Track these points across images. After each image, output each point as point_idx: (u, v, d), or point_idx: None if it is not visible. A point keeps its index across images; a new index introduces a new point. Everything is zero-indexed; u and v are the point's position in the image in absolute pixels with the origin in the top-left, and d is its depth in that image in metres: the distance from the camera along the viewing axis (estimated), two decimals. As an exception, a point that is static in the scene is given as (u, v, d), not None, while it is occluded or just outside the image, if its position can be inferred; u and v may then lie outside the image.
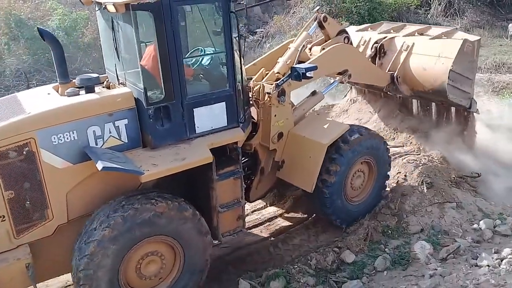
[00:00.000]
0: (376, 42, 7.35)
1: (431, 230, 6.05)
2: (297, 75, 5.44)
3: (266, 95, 5.54)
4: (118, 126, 4.53)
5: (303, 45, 6.22)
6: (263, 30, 17.05)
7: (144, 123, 4.57)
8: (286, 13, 17.76)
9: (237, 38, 4.97)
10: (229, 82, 4.93)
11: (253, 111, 5.78)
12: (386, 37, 7.44)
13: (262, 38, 16.49)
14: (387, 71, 7.14)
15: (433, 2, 17.54)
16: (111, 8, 4.23)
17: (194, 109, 4.75)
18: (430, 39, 6.92)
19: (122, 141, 4.57)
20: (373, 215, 6.33)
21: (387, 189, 6.62)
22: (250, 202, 6.10)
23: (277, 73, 5.93)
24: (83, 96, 4.60)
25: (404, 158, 7.10)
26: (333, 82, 6.64)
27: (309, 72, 5.44)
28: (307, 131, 5.78)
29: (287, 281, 5.17)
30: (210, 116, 4.87)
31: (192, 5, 5.02)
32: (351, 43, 6.85)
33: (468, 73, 6.68)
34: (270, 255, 5.96)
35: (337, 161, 5.71)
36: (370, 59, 7.27)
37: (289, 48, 6.30)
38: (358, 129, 6.07)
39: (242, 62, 5.15)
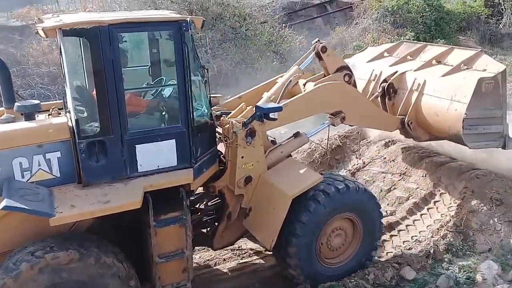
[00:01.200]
0: (384, 81, 6.50)
1: (500, 249, 5.75)
2: (259, 116, 4.89)
3: (234, 134, 5.01)
4: (49, 158, 4.15)
5: (290, 81, 5.72)
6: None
7: (79, 157, 4.17)
8: (348, 25, 17.56)
9: (200, 69, 4.60)
10: (181, 118, 4.46)
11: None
12: (396, 72, 6.48)
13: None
14: (397, 114, 6.28)
15: (505, 11, 16.62)
16: (41, 33, 3.96)
17: (136, 146, 4.30)
18: (442, 75, 6.02)
19: (54, 175, 4.17)
20: (436, 231, 6.02)
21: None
22: (214, 249, 5.53)
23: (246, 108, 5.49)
24: (14, 124, 4.29)
25: (472, 173, 6.56)
26: (322, 124, 5.95)
27: (273, 113, 4.86)
28: (277, 178, 5.09)
29: None
30: (156, 154, 4.42)
31: (138, 33, 4.59)
32: (354, 82, 6.06)
33: (494, 111, 5.81)
34: None
35: (305, 217, 4.93)
36: (380, 99, 6.46)
37: (277, 82, 5.83)
38: (336, 181, 5.17)
39: (206, 95, 4.76)
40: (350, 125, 6.69)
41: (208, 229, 5.45)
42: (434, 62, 6.38)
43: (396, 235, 6.26)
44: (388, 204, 6.82)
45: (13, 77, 12.93)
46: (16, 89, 12.37)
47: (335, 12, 19.76)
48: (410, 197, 6.84)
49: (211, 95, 5.66)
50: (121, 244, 4.41)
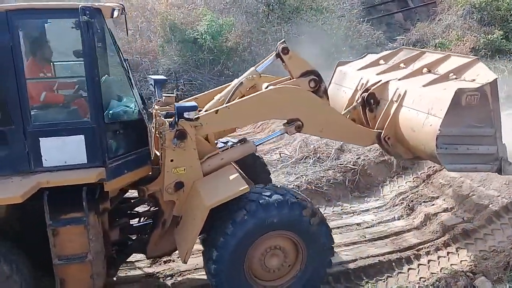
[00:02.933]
0: (365, 90, 5.66)
1: None
2: (176, 115, 4.48)
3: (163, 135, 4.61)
4: None
5: (241, 82, 5.19)
6: (403, 37, 16.36)
7: None
8: (431, 21, 16.85)
9: (123, 62, 4.38)
10: (91, 113, 4.20)
11: None
12: (379, 81, 5.64)
13: (403, 46, 15.82)
14: (375, 128, 5.45)
15: None
16: None
17: (40, 139, 4.11)
18: (424, 85, 5.10)
19: None
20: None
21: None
22: (148, 258, 5.17)
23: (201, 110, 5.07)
24: None
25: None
26: (275, 132, 5.39)
27: (187, 112, 4.41)
28: (205, 186, 4.60)
29: None
30: (63, 150, 4.19)
31: (43, 19, 4.37)
32: (323, 89, 5.39)
33: (483, 129, 4.80)
34: (393, 271, 5.66)
35: (226, 231, 4.40)
36: (361, 111, 5.63)
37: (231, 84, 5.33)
38: (272, 194, 4.53)
39: (133, 91, 4.50)
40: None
41: (145, 235, 5.08)
42: (424, 70, 5.54)
43: (472, 244, 5.96)
44: (465, 211, 6.53)
45: None
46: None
47: (417, 7, 19.03)
48: (490, 205, 6.43)
49: (166, 94, 5.53)
50: (37, 246, 4.26)
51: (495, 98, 4.71)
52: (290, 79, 5.38)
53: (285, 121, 5.16)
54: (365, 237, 6.46)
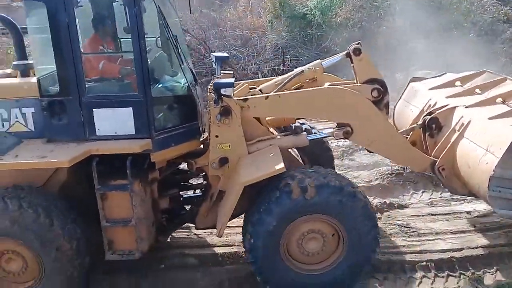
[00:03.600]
0: (429, 113, 5.35)
1: None
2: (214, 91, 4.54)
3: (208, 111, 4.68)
4: (25, 113, 4.56)
5: (303, 71, 5.06)
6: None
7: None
8: None
9: (170, 38, 4.47)
10: (139, 86, 4.39)
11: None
12: (446, 106, 5.28)
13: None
14: (432, 154, 5.11)
15: None
16: None
17: (94, 110, 4.43)
18: (490, 117, 4.73)
19: (29, 129, 4.59)
20: None
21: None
22: (197, 229, 5.25)
23: (252, 88, 5.10)
24: (2, 80, 4.86)
25: None
26: (322, 132, 5.19)
27: (224, 89, 4.45)
28: (247, 163, 4.57)
29: None
30: (114, 121, 4.47)
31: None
32: (385, 102, 5.04)
33: None
34: (504, 265, 5.26)
35: (261, 208, 4.36)
36: (422, 134, 5.36)
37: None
38: (312, 177, 4.38)
39: (182, 67, 4.64)
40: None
41: (196, 207, 5.16)
42: (498, 100, 5.06)
43: None
44: None
45: (212, 39, 14.30)
46: (213, 50, 13.52)
47: None
48: None
49: (224, 72, 5.60)
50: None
51: None
52: (354, 83, 5.15)
53: None
54: (475, 226, 6.04)
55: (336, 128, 4.89)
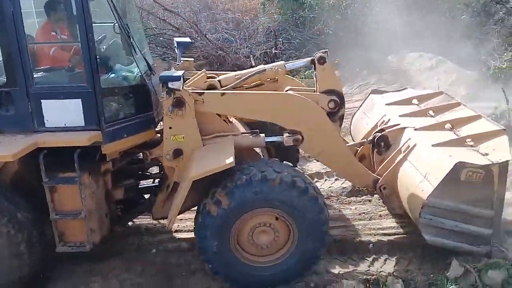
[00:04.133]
0: (380, 130, 5.45)
1: None
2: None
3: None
4: None
5: (265, 69, 5.00)
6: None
7: None
8: None
9: (121, 26, 4.34)
10: (87, 77, 4.29)
11: None
12: (397, 125, 5.36)
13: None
14: (376, 172, 5.20)
15: None
16: None
17: (42, 100, 4.35)
18: (433, 145, 4.78)
19: None
20: None
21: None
22: (154, 219, 5.20)
23: (210, 77, 5.03)
24: None
25: None
26: (276, 135, 5.02)
27: (171, 82, 4.35)
28: (200, 156, 4.51)
29: (509, 275, 4.52)
30: (63, 112, 4.38)
31: None
32: (340, 114, 5.05)
33: (480, 210, 4.40)
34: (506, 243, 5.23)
35: (210, 206, 4.35)
36: (371, 150, 5.44)
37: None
38: (253, 170, 4.37)
39: (136, 57, 4.56)
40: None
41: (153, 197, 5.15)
42: (447, 126, 5.17)
43: None
44: None
45: (203, 22, 14.08)
46: (204, 33, 13.32)
47: None
48: None
49: (184, 59, 5.48)
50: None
51: (502, 180, 4.34)
52: (314, 91, 5.12)
53: None
54: None
55: (288, 135, 4.84)
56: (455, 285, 4.49)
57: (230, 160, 4.20)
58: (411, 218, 4.84)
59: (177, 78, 4.42)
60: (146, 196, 5.37)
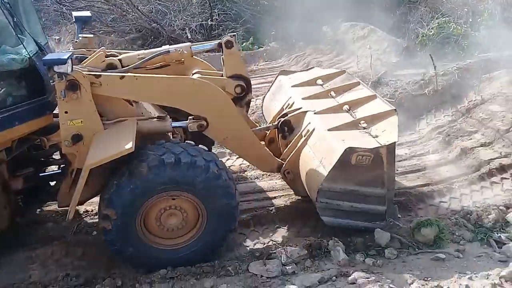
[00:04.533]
0: (284, 115, 5.43)
1: None
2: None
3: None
4: None
5: (169, 51, 4.84)
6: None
7: None
8: None
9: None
10: None
11: None
12: (299, 109, 5.38)
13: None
14: (281, 157, 5.22)
15: None
16: None
17: None
18: (329, 129, 4.87)
19: None
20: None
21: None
22: (59, 207, 4.97)
23: (109, 56, 4.80)
24: None
25: None
26: (179, 122, 4.94)
27: (57, 66, 4.04)
28: (100, 141, 4.31)
29: (440, 231, 4.79)
30: None
31: None
32: (247, 100, 5.15)
33: (374, 189, 4.60)
34: (423, 203, 5.58)
35: (114, 186, 4.20)
36: (277, 134, 5.43)
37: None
38: (167, 153, 4.22)
39: (19, 35, 4.32)
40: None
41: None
42: (345, 107, 5.25)
43: (508, 178, 5.83)
44: (504, 146, 6.41)
45: None
46: (136, 5, 12.72)
47: None
48: (531, 140, 6.31)
49: (82, 35, 5.26)
50: None
51: (391, 161, 4.51)
52: (222, 75, 5.11)
53: None
54: (397, 170, 6.18)
55: (192, 120, 4.73)
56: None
57: (129, 145, 4.00)
58: (312, 201, 4.93)
59: (62, 61, 4.09)
60: (52, 183, 5.13)
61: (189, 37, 12.73)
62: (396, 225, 4.71)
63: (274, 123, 5.48)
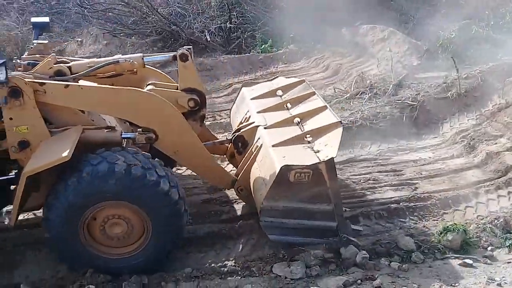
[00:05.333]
0: (237, 130, 5.42)
1: None
2: None
3: None
4: None
5: (118, 61, 4.81)
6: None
7: None
8: None
9: None
10: None
11: None
12: (252, 123, 5.30)
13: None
14: (236, 173, 5.17)
15: None
16: None
17: None
18: (274, 144, 4.73)
19: None
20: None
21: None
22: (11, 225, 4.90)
23: (59, 63, 4.82)
24: None
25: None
26: (127, 133, 4.84)
27: None
28: (41, 149, 4.29)
29: (466, 236, 4.80)
30: None
31: None
32: (201, 115, 5.12)
33: (320, 205, 4.44)
34: (449, 208, 5.50)
35: (55, 194, 4.18)
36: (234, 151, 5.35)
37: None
38: (97, 160, 4.16)
39: None
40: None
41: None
42: (295, 120, 5.15)
43: None
44: None
45: None
46: (156, 7, 12.80)
47: None
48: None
49: (37, 41, 5.28)
50: None
51: (333, 176, 4.36)
52: (177, 88, 5.08)
53: None
54: (421, 174, 6.22)
55: (140, 132, 4.65)
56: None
57: (65, 153, 3.95)
58: None
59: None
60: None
61: (208, 39, 12.78)
62: (351, 241, 4.52)
63: (228, 138, 5.48)
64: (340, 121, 4.75)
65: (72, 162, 4.02)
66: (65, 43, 12.93)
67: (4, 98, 4.20)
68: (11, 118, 4.31)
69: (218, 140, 5.62)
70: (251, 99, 5.97)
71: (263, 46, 12.56)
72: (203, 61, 11.59)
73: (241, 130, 5.31)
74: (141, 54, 5.12)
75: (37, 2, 14.30)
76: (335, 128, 4.69)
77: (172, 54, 4.96)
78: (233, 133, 5.42)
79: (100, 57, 12.22)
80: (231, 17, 13.03)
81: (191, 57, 4.89)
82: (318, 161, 4.30)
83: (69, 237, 4.27)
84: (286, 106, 5.58)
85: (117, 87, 4.74)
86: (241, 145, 5.24)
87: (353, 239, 4.56)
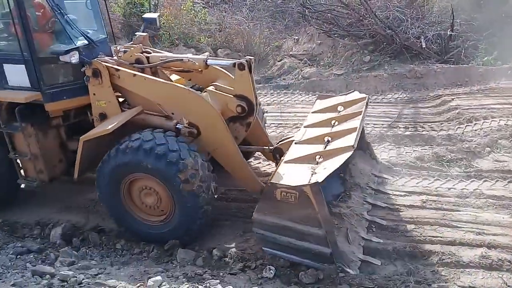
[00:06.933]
0: (281, 141, 5.87)
1: None
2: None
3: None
4: None
5: (182, 59, 5.39)
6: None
7: None
8: None
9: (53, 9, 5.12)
10: (22, 47, 5.20)
11: None
12: (291, 137, 5.66)
13: None
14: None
15: None
16: None
17: (4, 64, 5.49)
18: (285, 161, 4.87)
19: None
20: None
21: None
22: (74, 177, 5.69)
23: (144, 52, 5.64)
24: None
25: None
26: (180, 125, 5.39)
27: (61, 56, 5.23)
28: (106, 121, 5.30)
29: None
30: (16, 74, 5.43)
31: None
32: (247, 121, 5.40)
33: (310, 228, 4.39)
34: None
35: (103, 161, 5.09)
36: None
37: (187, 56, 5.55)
38: (134, 140, 4.89)
39: (69, 31, 5.25)
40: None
41: None
42: (326, 139, 5.11)
43: None
44: None
45: None
46: (374, 10, 12.40)
47: None
48: None
49: (139, 33, 6.12)
50: None
51: (319, 200, 4.28)
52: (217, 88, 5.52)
53: None
54: None
55: (186, 126, 5.22)
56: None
57: (109, 127, 4.91)
58: None
59: (65, 53, 5.11)
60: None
61: (424, 46, 11.74)
62: (346, 272, 4.37)
63: (270, 147, 5.84)
64: (353, 146, 4.65)
65: (123, 136, 5.05)
66: (283, 40, 13.80)
67: (87, 76, 5.38)
68: (94, 94, 5.48)
69: (260, 147, 6.03)
70: (312, 112, 6.04)
71: (485, 58, 10.91)
72: (413, 68, 11.09)
73: (280, 143, 5.72)
74: (205, 56, 5.65)
75: (266, 0, 15.53)
76: (344, 152, 4.61)
77: (233, 61, 5.30)
78: (276, 145, 5.83)
79: (312, 55, 12.84)
80: (454, 24, 11.56)
81: (251, 67, 5.17)
82: (304, 183, 4.29)
83: (113, 198, 5.26)
84: (332, 123, 5.51)
85: (172, 83, 5.57)
86: (279, 156, 5.60)
87: (349, 270, 4.39)
